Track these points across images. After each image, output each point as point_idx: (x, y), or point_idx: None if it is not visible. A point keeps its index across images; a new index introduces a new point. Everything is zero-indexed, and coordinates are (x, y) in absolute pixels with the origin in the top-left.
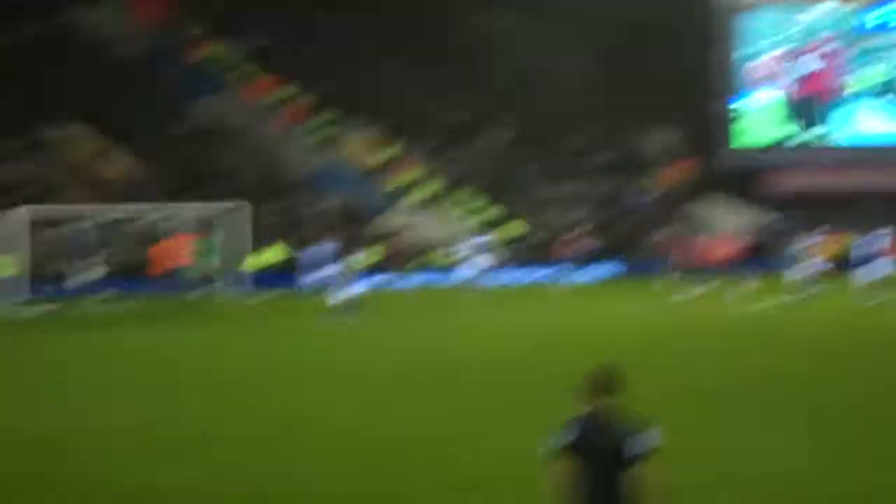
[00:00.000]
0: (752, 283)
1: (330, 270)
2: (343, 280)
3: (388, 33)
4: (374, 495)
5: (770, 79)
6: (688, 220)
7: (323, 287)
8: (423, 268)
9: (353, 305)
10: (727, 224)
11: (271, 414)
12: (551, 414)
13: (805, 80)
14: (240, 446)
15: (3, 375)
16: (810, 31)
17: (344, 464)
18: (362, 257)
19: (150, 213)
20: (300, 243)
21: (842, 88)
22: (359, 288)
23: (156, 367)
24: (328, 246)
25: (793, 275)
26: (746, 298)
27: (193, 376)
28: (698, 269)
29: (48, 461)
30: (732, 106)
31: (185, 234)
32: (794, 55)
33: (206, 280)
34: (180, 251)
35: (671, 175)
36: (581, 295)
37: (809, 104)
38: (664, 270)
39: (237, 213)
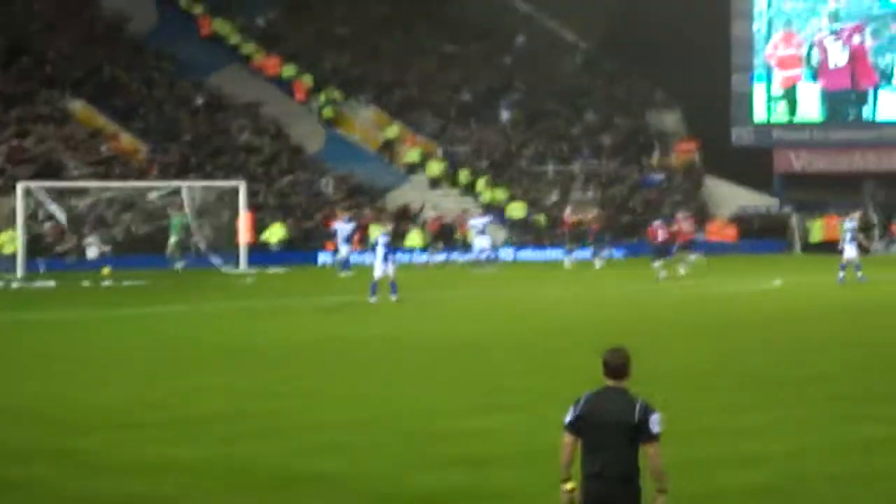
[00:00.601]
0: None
1: (347, 248)
2: (382, 258)
3: (389, 15)
4: (367, 475)
5: (789, 61)
6: (692, 199)
7: (342, 263)
8: (433, 245)
9: (387, 282)
10: (734, 203)
11: (286, 389)
12: (567, 390)
13: (825, 67)
14: (249, 422)
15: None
16: (835, 17)
17: (349, 437)
18: (379, 234)
19: (152, 190)
20: (306, 221)
21: (860, 76)
22: (383, 264)
23: (149, 342)
24: (347, 224)
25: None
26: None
27: (193, 352)
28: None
29: (58, 436)
30: (746, 84)
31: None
32: (818, 40)
33: (187, 255)
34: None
35: (680, 154)
36: (582, 274)
37: (829, 90)
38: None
39: (235, 192)
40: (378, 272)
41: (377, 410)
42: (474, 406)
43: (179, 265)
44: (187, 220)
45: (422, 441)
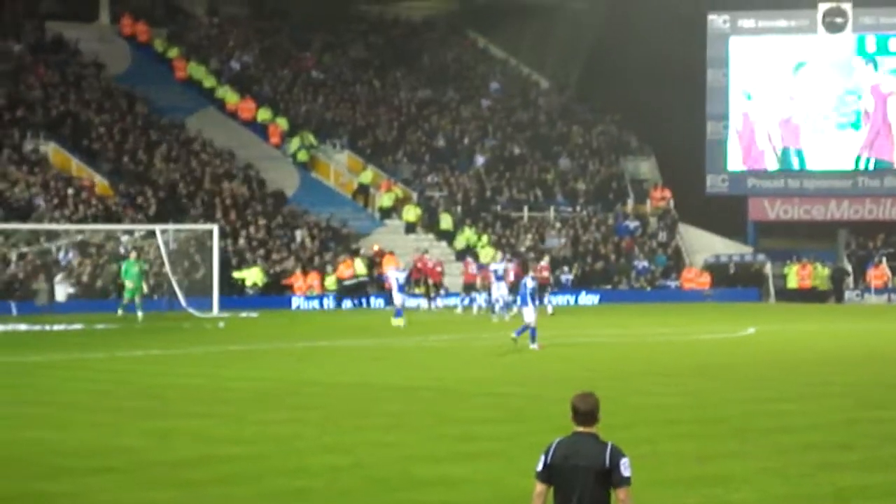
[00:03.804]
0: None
1: (401, 296)
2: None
3: (365, 59)
4: None
5: (756, 111)
6: (667, 246)
7: (396, 311)
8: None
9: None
10: (708, 251)
11: (256, 434)
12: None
13: (785, 120)
14: (219, 467)
15: None
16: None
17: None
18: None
19: (124, 233)
20: (280, 264)
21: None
22: (533, 307)
23: (119, 386)
24: (400, 272)
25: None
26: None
27: (163, 396)
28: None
29: (28, 480)
30: (720, 132)
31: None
32: (784, 92)
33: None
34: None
35: (655, 201)
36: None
37: (790, 143)
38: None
39: (207, 236)
40: (532, 316)
41: (350, 456)
42: (448, 453)
43: (140, 313)
44: (142, 267)
45: (394, 488)
